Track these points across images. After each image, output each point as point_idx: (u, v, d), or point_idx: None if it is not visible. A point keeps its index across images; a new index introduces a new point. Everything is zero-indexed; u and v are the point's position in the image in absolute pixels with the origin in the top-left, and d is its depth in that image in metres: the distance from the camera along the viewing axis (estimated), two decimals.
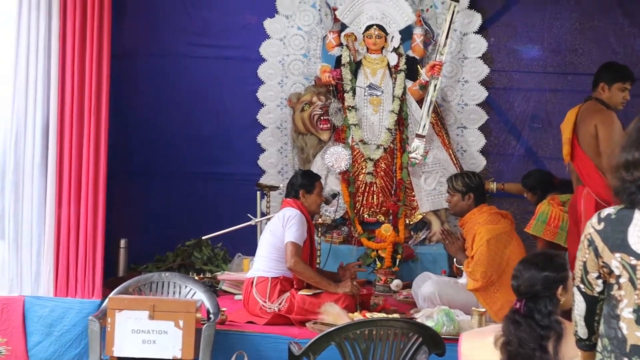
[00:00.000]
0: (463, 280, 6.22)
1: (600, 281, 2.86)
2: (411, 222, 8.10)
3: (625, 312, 2.74)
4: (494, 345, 3.52)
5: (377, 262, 7.65)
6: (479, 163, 8.45)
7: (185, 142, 8.43)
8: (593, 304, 2.91)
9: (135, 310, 4.84)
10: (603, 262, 2.80)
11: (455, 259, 6.38)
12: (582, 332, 2.98)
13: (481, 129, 8.50)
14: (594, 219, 2.84)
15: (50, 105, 6.30)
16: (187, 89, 8.47)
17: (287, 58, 8.52)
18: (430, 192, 8.03)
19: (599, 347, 2.87)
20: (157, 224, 8.12)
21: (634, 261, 2.70)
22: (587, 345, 3.00)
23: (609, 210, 2.82)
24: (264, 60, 8.51)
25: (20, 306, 6.23)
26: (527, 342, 3.42)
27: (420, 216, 8.09)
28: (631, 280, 2.73)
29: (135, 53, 8.24)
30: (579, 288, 2.94)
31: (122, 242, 7.25)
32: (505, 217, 6.21)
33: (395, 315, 5.61)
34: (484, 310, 5.64)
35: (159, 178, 8.33)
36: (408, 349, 4.26)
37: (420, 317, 5.58)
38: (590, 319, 2.94)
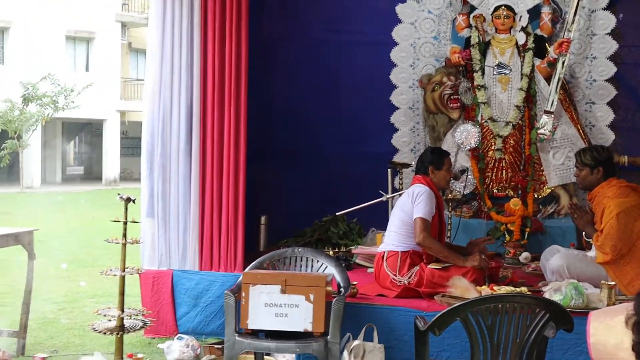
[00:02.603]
0: (592, 253, 5.70)
1: None
2: (540, 196, 7.69)
3: None
4: (624, 325, 3.02)
5: (506, 236, 7.28)
6: (607, 138, 7.85)
7: (321, 123, 8.20)
8: None
9: (268, 285, 4.63)
10: None
11: (584, 233, 5.85)
12: None
13: (610, 104, 7.90)
14: None
15: (194, 94, 6.26)
16: (324, 73, 8.26)
17: (418, 41, 8.22)
18: (558, 167, 7.59)
19: None
20: (295, 201, 7.90)
21: None
22: None
23: None
24: (396, 43, 8.25)
25: (169, 279, 6.22)
26: None
27: (549, 190, 7.68)
28: None
29: (276, 40, 8.12)
30: None
31: (263, 219, 7.09)
32: (635, 190, 5.61)
33: (523, 289, 5.19)
34: (613, 283, 5.10)
35: (297, 158, 8.13)
36: (535, 325, 3.80)
37: (548, 291, 5.10)
38: None
